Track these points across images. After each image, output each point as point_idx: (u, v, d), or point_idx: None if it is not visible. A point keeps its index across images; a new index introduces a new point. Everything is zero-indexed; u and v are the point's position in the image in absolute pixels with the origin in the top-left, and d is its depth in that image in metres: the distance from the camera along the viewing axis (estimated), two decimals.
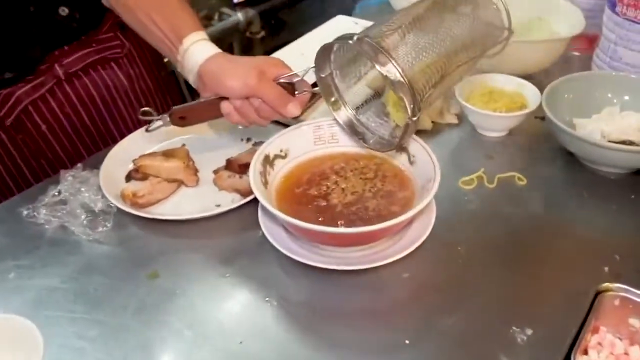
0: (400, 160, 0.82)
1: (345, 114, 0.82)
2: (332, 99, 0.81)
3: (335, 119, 0.83)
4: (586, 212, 0.85)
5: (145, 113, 0.85)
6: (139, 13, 0.85)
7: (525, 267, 0.75)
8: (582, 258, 0.76)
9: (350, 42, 0.69)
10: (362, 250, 0.75)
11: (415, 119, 0.70)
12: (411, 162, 0.81)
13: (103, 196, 0.86)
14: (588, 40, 1.22)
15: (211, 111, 0.83)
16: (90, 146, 1.08)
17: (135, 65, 1.12)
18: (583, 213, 0.84)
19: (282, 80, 0.80)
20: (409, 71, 0.68)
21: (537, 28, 1.18)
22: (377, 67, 0.67)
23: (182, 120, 0.85)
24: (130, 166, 0.93)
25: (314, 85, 0.81)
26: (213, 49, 0.82)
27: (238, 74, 0.78)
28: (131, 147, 0.96)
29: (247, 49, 2.69)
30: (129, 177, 0.91)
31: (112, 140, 1.06)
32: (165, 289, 0.75)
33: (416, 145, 0.81)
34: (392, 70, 0.67)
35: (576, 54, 1.25)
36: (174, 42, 0.83)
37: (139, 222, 0.84)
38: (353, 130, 0.82)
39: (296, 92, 0.81)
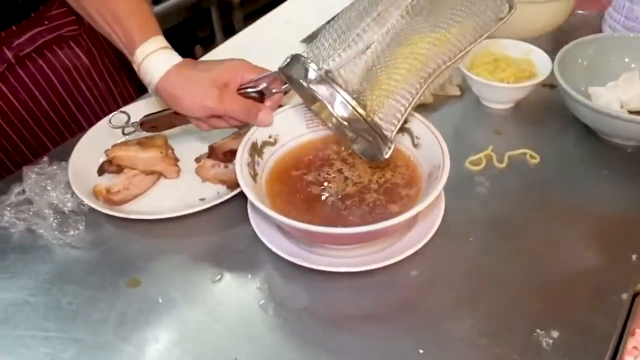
0: (404, 143, 0.74)
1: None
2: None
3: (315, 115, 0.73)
4: (607, 191, 0.77)
5: (116, 119, 0.80)
6: (87, 6, 0.74)
7: (545, 258, 0.68)
8: (608, 245, 0.69)
9: (305, 84, 0.62)
10: (364, 248, 0.68)
11: (387, 155, 0.64)
12: (415, 145, 0.73)
13: (73, 194, 0.77)
14: None
15: (181, 119, 0.76)
16: (55, 136, 0.98)
17: (97, 40, 1.00)
18: (604, 192, 0.77)
19: (248, 90, 0.72)
20: (380, 108, 0.62)
21: None
22: (335, 115, 0.62)
23: (154, 128, 0.80)
24: (103, 158, 0.83)
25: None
26: (168, 62, 0.70)
27: (196, 94, 0.69)
28: (102, 136, 0.86)
29: (226, 14, 2.56)
30: (101, 171, 0.82)
31: (78, 128, 0.97)
32: (148, 298, 0.67)
33: (420, 126, 0.72)
34: (355, 122, 0.62)
35: (581, 12, 1.16)
36: (129, 49, 0.72)
37: (115, 222, 0.76)
38: (337, 127, 0.71)
39: (266, 96, 0.73)
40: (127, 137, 0.83)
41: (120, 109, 0.80)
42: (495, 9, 0.65)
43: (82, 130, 0.88)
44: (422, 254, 0.68)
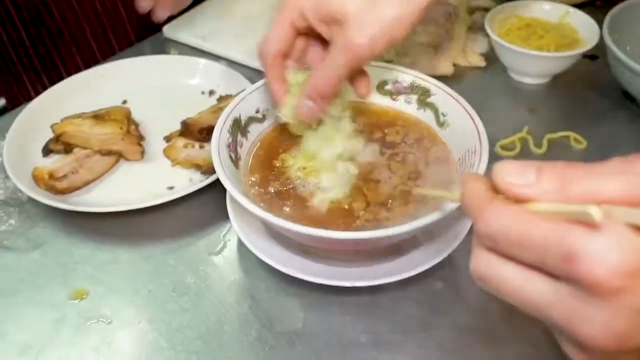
0: (427, 121, 0.59)
1: None
2: None
3: None
4: None
5: None
6: None
7: None
8: None
9: None
10: (376, 256, 0.53)
11: None
12: (441, 124, 0.58)
13: (7, 178, 0.61)
14: None
15: None
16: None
17: None
18: None
19: None
20: None
21: None
22: None
23: None
24: (50, 135, 0.67)
25: None
26: None
27: None
28: (52, 106, 0.70)
29: None
30: (47, 150, 0.66)
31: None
32: (95, 314, 0.52)
33: (447, 99, 0.57)
34: None
35: None
36: None
37: (59, 215, 0.60)
38: None
39: None
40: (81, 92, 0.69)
41: None
42: None
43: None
44: (449, 262, 0.53)
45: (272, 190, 0.53)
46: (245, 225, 0.54)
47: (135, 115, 0.70)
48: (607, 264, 0.24)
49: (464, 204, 0.32)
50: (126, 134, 0.66)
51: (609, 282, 0.24)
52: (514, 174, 0.29)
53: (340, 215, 0.51)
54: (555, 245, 0.26)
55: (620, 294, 0.25)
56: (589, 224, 0.25)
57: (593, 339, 0.26)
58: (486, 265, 0.30)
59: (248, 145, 0.57)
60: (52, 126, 0.66)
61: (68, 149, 0.65)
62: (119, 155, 0.65)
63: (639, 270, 0.24)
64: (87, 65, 0.78)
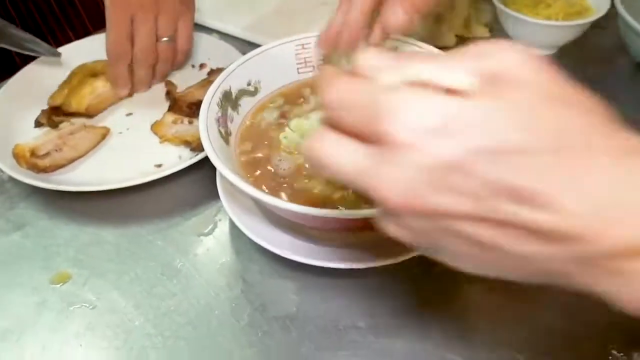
0: None
1: None
2: None
3: None
4: None
5: None
6: None
7: None
8: None
9: None
10: (375, 236, 0.50)
11: None
12: None
13: None
14: None
15: None
16: None
17: None
18: None
19: None
20: None
21: None
22: None
23: None
24: (30, 112, 0.64)
25: None
26: None
27: None
28: (32, 83, 0.67)
29: None
30: (39, 123, 0.63)
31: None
32: (79, 298, 0.49)
33: None
34: None
35: None
36: None
37: (41, 195, 0.57)
38: None
39: None
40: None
41: None
42: None
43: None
44: None
45: (262, 164, 0.51)
46: (237, 205, 0.51)
47: None
48: (404, 118, 0.24)
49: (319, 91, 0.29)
50: None
51: (399, 134, 0.24)
52: (371, 57, 0.27)
53: (338, 194, 0.48)
54: (371, 104, 0.25)
55: (410, 149, 0.24)
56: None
57: (385, 196, 0.25)
58: (317, 138, 0.27)
59: (239, 120, 0.54)
60: (64, 106, 0.63)
61: (53, 124, 0.62)
62: (106, 133, 0.62)
63: (436, 129, 0.23)
64: None
